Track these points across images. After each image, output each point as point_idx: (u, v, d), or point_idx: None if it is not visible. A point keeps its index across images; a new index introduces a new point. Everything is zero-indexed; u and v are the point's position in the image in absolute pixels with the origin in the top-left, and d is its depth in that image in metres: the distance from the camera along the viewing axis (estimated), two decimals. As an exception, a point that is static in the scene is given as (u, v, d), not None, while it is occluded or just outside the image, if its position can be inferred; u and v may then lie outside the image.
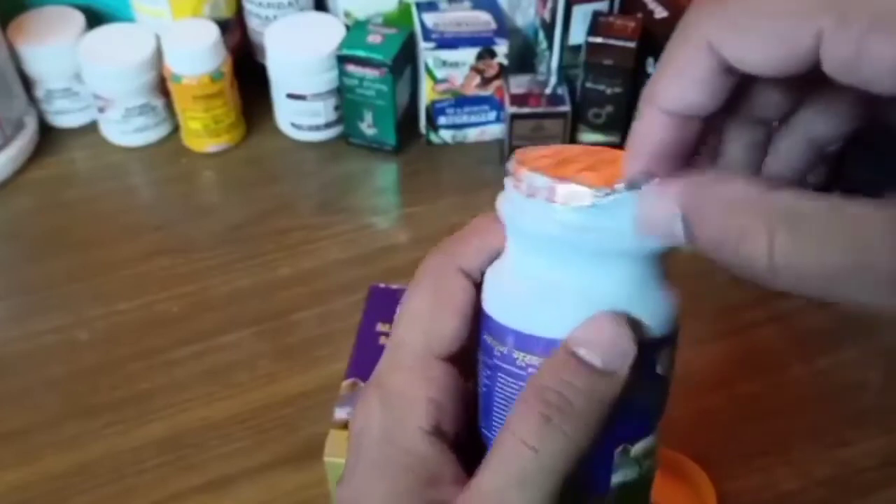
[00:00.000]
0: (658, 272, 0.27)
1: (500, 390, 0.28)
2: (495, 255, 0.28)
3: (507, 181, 0.27)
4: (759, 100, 0.26)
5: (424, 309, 0.28)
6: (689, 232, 0.23)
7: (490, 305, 0.28)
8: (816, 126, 0.26)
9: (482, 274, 0.28)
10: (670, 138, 0.24)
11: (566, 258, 0.26)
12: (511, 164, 0.27)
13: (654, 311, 0.27)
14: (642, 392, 0.27)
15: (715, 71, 0.23)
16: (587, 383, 0.25)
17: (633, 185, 0.25)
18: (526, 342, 0.27)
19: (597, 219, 0.25)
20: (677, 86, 0.23)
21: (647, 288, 0.27)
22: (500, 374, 0.28)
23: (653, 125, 0.24)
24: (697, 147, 0.25)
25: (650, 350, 0.26)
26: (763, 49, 0.21)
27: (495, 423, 0.28)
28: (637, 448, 0.28)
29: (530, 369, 0.27)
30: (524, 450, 0.25)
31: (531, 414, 0.25)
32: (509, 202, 0.27)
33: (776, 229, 0.21)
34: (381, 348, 0.49)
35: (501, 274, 0.28)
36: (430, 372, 0.28)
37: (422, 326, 0.28)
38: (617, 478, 0.28)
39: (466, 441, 0.28)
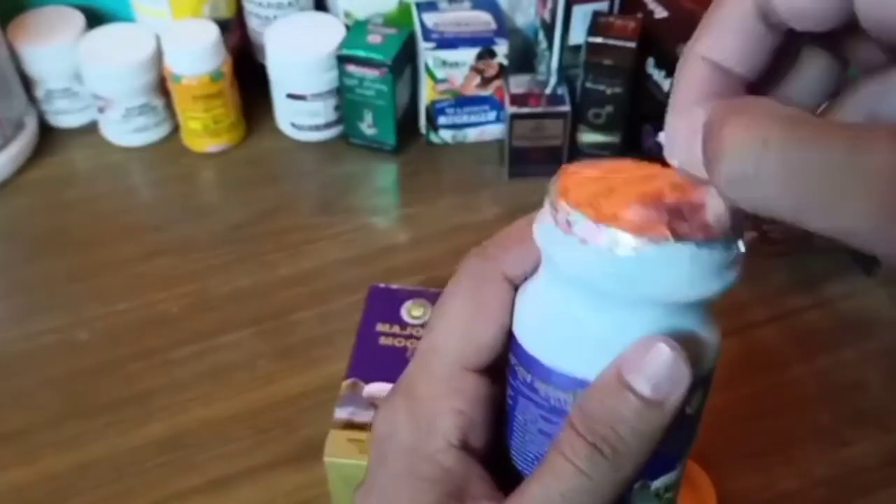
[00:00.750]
0: (699, 316, 0.25)
1: (520, 414, 0.27)
2: (537, 265, 0.27)
3: (547, 205, 0.25)
4: (806, 71, 0.25)
5: (462, 315, 0.27)
6: (706, 155, 0.21)
7: (518, 329, 0.27)
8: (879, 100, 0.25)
9: (524, 281, 0.27)
10: (711, 89, 0.23)
11: (600, 300, 0.24)
12: (553, 187, 0.25)
13: (690, 355, 0.25)
14: (670, 433, 0.25)
15: (757, 21, 0.22)
16: (636, 415, 0.24)
17: (679, 238, 0.23)
18: (550, 375, 0.26)
19: (636, 269, 0.23)
20: (717, 34, 0.23)
21: (683, 332, 0.25)
22: (521, 398, 0.27)
23: (694, 73, 0.24)
24: None
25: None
26: None
27: (514, 443, 0.28)
28: (658, 483, 0.27)
29: (553, 401, 0.26)
30: (576, 472, 0.24)
31: (581, 441, 0.24)
32: (545, 231, 0.25)
33: (780, 126, 0.20)
34: (381, 348, 0.50)
35: (533, 298, 0.27)
36: (462, 383, 0.27)
37: (458, 333, 0.27)
38: None
39: (496, 451, 0.28)
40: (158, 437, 0.59)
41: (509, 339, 0.27)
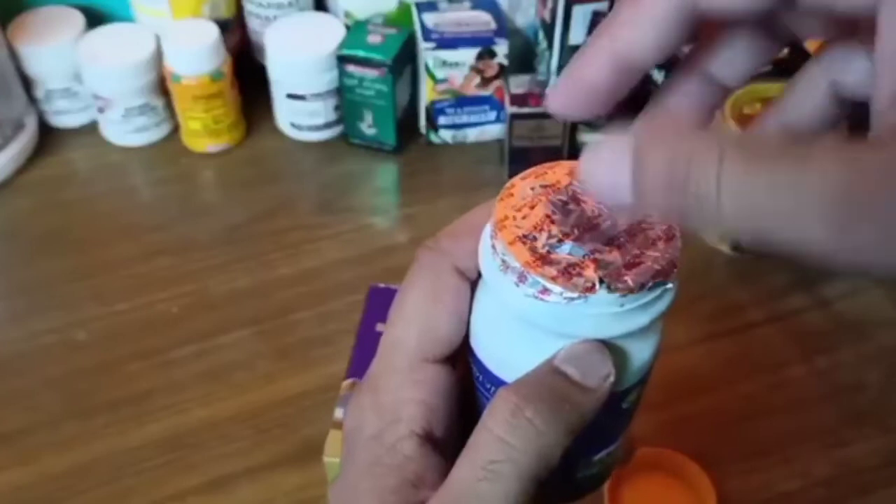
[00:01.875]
0: (628, 336, 0.26)
1: (478, 401, 0.29)
2: None
3: (490, 232, 0.26)
4: (723, 52, 0.26)
5: (419, 308, 0.28)
6: (635, 181, 0.21)
7: (470, 329, 0.28)
8: (841, 68, 0.25)
9: (477, 273, 0.28)
10: (608, 84, 0.24)
11: (532, 329, 0.25)
12: (493, 214, 0.25)
13: (623, 364, 0.26)
14: (607, 420, 0.27)
15: (678, 11, 0.22)
16: (565, 389, 0.25)
17: (611, 289, 0.24)
18: (495, 380, 0.27)
19: (565, 313, 0.24)
20: (635, 21, 0.23)
21: (617, 348, 0.26)
22: (477, 391, 0.28)
23: (595, 64, 0.24)
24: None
25: (620, 394, 0.27)
26: None
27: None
28: (599, 455, 0.29)
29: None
30: (497, 442, 0.24)
31: (504, 406, 0.25)
32: (486, 261, 0.26)
33: (726, 149, 0.20)
34: (381, 348, 0.50)
35: (479, 302, 0.28)
36: (423, 374, 0.28)
37: (416, 327, 0.28)
38: (579, 475, 0.29)
39: (460, 439, 0.28)
40: (158, 438, 0.59)
41: (467, 330, 0.28)
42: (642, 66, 0.24)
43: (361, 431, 0.28)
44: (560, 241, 0.25)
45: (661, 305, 0.25)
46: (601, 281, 0.24)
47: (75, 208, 0.75)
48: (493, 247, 0.25)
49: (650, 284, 0.24)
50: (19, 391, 0.62)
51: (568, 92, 0.25)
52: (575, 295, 0.24)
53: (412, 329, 0.28)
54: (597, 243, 0.25)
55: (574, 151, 0.75)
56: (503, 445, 0.24)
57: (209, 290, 0.68)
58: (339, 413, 0.47)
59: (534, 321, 0.25)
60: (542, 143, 0.74)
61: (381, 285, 0.53)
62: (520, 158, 0.75)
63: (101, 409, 0.61)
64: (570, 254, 0.24)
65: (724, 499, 0.54)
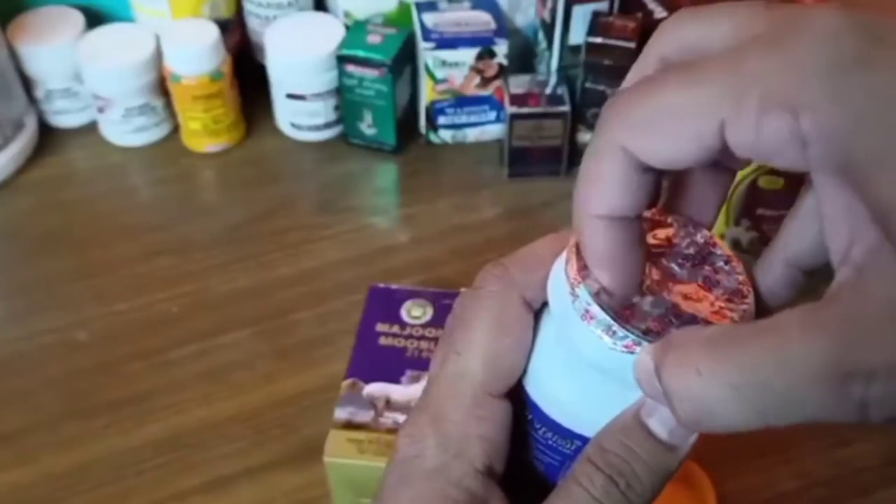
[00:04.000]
0: None
1: (524, 435, 0.29)
2: None
3: (563, 273, 0.25)
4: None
5: (487, 340, 0.28)
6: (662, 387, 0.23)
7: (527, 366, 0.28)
8: (793, 244, 0.27)
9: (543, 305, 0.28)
10: (618, 241, 0.24)
11: (604, 377, 0.25)
12: (572, 258, 0.25)
13: None
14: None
15: (633, 171, 0.23)
16: (651, 455, 0.26)
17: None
18: (546, 420, 0.27)
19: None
20: (601, 192, 0.24)
21: None
22: (525, 426, 0.28)
23: (596, 235, 0.24)
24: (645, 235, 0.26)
25: None
26: (673, 146, 0.22)
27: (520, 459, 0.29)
28: None
29: (549, 442, 0.28)
30: (591, 501, 0.25)
31: (600, 473, 0.25)
32: (561, 305, 0.25)
33: (702, 356, 0.21)
34: (381, 348, 0.50)
35: (540, 342, 0.28)
36: (488, 410, 0.28)
37: (483, 359, 0.28)
38: None
39: (511, 472, 0.29)
40: (158, 438, 0.59)
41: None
42: (635, 214, 0.25)
43: (421, 461, 0.27)
44: (643, 294, 0.25)
45: None
46: None
47: (75, 208, 0.75)
48: (574, 293, 0.25)
49: None
50: (19, 391, 0.62)
51: (600, 268, 0.25)
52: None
53: (479, 361, 0.28)
54: (677, 295, 0.25)
55: (574, 151, 0.75)
56: None
57: (209, 290, 0.68)
58: (338, 413, 0.47)
59: (616, 373, 0.24)
60: (542, 143, 0.74)
61: (381, 285, 0.54)
62: (520, 158, 0.75)
63: (101, 409, 0.61)
64: (652, 307, 0.25)
65: (724, 499, 0.54)
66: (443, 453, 0.27)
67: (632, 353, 0.24)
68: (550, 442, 0.28)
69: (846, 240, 0.22)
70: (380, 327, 0.51)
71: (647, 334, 0.24)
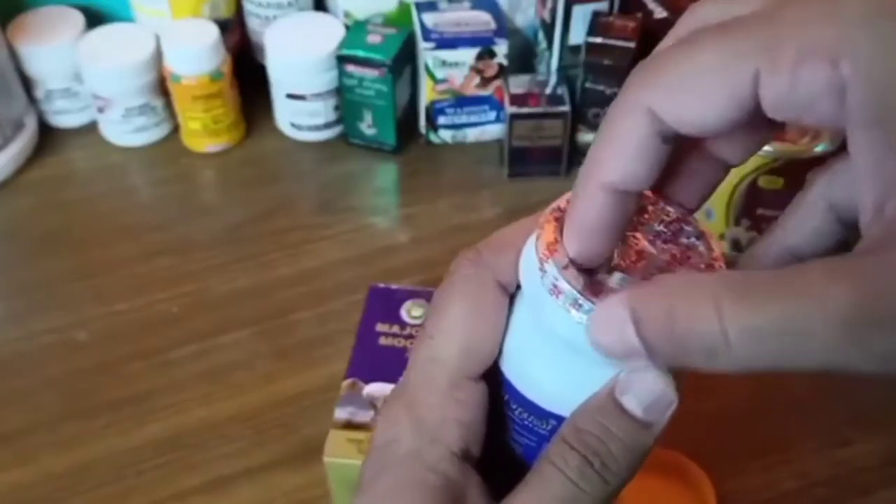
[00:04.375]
0: None
1: (501, 416, 0.28)
2: None
3: (533, 249, 0.25)
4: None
5: (461, 323, 0.27)
6: (640, 334, 0.22)
7: (501, 347, 0.28)
8: (838, 189, 0.26)
9: (517, 288, 0.28)
10: (611, 216, 0.24)
11: (578, 353, 0.25)
12: (541, 235, 0.25)
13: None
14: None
15: (654, 138, 0.23)
16: (626, 433, 0.25)
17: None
18: (521, 401, 0.27)
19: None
20: (616, 155, 0.23)
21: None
22: (501, 408, 0.28)
23: (593, 206, 0.24)
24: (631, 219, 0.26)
25: None
26: (703, 106, 0.22)
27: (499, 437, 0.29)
28: None
29: (525, 422, 0.27)
30: (567, 482, 0.25)
31: (574, 453, 0.25)
32: (531, 282, 0.25)
33: (721, 296, 0.21)
34: (381, 348, 0.50)
35: (514, 323, 0.27)
36: (464, 393, 0.27)
37: (458, 343, 0.27)
38: None
39: (487, 455, 0.28)
40: (158, 438, 0.59)
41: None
42: (639, 189, 0.24)
43: (397, 447, 0.27)
44: (611, 270, 0.25)
45: None
46: None
47: (75, 208, 0.75)
48: (543, 269, 0.25)
49: None
50: (19, 391, 0.62)
51: (580, 237, 0.25)
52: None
53: (454, 345, 0.27)
54: (647, 272, 0.25)
55: (574, 151, 0.75)
56: (572, 488, 0.25)
57: (209, 290, 0.68)
58: (338, 413, 0.47)
59: (586, 348, 0.24)
60: (541, 143, 0.74)
61: (381, 285, 0.53)
62: (519, 158, 0.75)
63: (101, 409, 0.61)
64: (620, 284, 0.24)
65: (724, 499, 0.54)
66: (418, 438, 0.27)
67: None
68: (527, 422, 0.28)
69: (879, 196, 0.22)
70: (380, 327, 0.51)
71: None
